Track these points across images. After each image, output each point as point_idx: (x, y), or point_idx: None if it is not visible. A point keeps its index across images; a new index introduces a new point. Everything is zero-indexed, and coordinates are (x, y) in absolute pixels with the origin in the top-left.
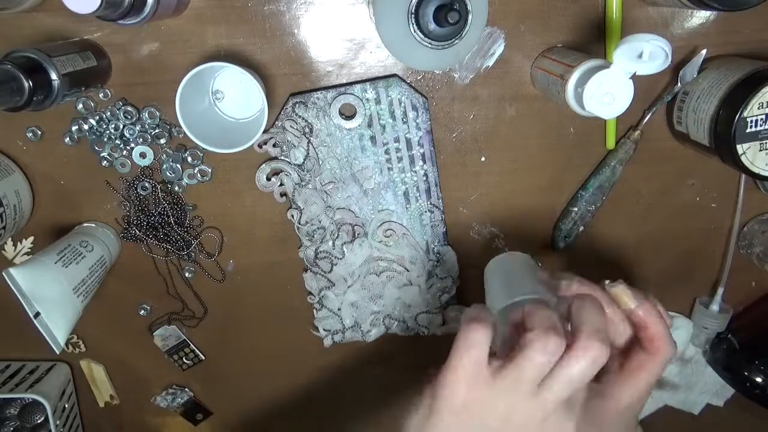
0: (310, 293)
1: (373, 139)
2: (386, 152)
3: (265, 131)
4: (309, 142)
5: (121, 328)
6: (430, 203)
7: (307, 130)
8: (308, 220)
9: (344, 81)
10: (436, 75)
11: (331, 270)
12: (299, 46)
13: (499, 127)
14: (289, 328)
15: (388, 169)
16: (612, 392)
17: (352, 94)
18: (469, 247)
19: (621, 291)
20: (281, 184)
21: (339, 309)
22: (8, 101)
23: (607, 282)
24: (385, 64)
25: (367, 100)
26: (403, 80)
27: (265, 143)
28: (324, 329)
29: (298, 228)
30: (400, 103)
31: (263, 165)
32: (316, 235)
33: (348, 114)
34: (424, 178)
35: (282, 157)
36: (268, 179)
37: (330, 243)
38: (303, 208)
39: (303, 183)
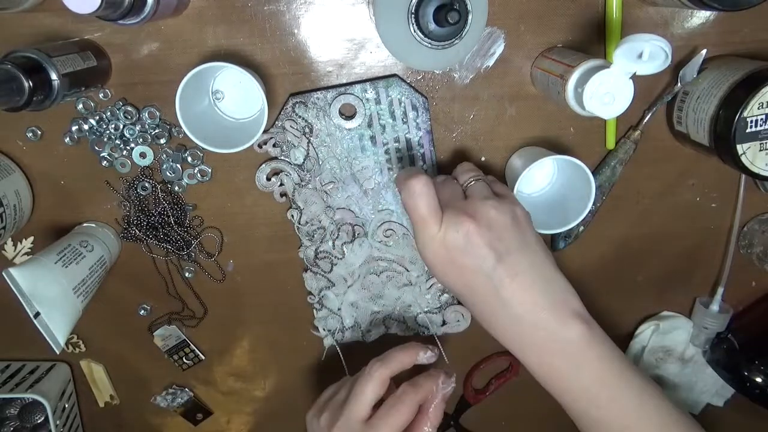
0: (310, 293)
1: (373, 139)
2: (386, 152)
3: (265, 131)
4: (309, 142)
5: (121, 328)
6: None
7: (307, 130)
8: (308, 220)
9: (344, 81)
10: (436, 75)
11: (331, 270)
12: (299, 46)
13: (499, 127)
14: (289, 327)
15: (388, 169)
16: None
17: (352, 94)
18: None
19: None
20: (281, 184)
21: (339, 309)
22: (8, 101)
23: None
24: (385, 64)
25: (367, 100)
26: (403, 80)
27: (265, 143)
28: (324, 329)
29: (298, 228)
30: (400, 103)
31: (263, 165)
32: (316, 235)
33: (348, 114)
34: None
35: (282, 157)
36: (268, 179)
37: (330, 243)
38: (303, 208)
39: (303, 183)
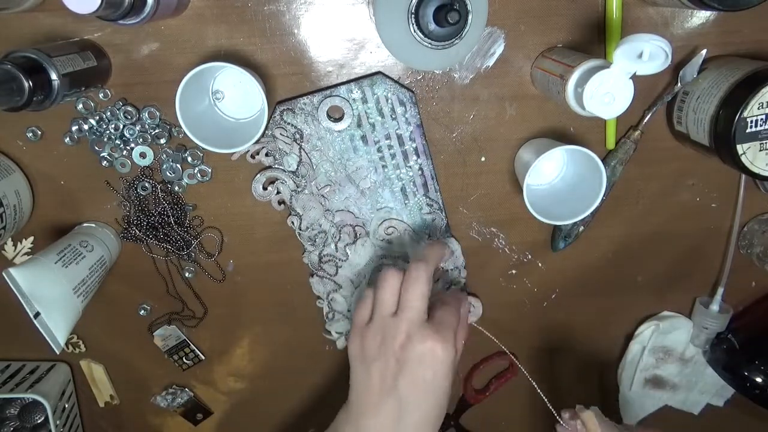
0: (318, 297)
1: (364, 138)
2: (378, 150)
3: (255, 142)
4: (300, 147)
5: (121, 328)
6: (428, 197)
7: (297, 136)
8: (308, 225)
9: (343, 81)
10: (436, 75)
11: (337, 273)
12: (299, 46)
13: (499, 127)
14: (290, 327)
15: (383, 166)
16: None
17: (338, 95)
18: (470, 247)
19: (588, 417)
20: (278, 192)
21: (349, 311)
22: (8, 101)
23: (579, 406)
24: (386, 64)
25: (354, 100)
26: (387, 76)
27: (257, 153)
28: (336, 332)
29: (299, 234)
30: (387, 100)
31: (258, 175)
32: (318, 240)
33: (336, 116)
34: (420, 172)
35: (276, 166)
36: (264, 188)
37: (333, 246)
38: (302, 214)
39: (299, 189)
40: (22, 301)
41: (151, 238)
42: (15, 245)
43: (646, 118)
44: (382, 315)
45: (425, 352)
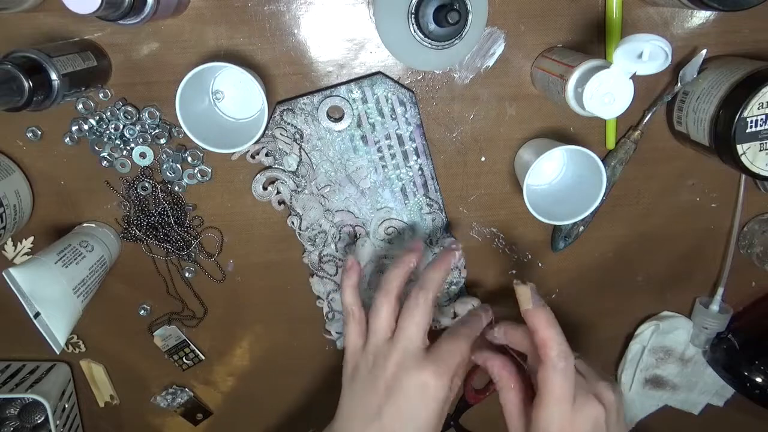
0: (318, 297)
1: (364, 138)
2: (378, 150)
3: (255, 142)
4: (300, 147)
5: (121, 328)
6: (428, 197)
7: (297, 136)
8: (308, 225)
9: (343, 81)
10: (436, 75)
11: (337, 273)
12: (299, 46)
13: (499, 127)
14: (290, 327)
15: (383, 166)
16: (535, 417)
17: (338, 95)
18: (470, 247)
19: (523, 291)
20: (278, 192)
21: None
22: (8, 101)
23: (516, 281)
24: (386, 64)
25: (354, 100)
26: (387, 77)
27: (257, 153)
28: (336, 332)
29: (299, 234)
30: (387, 100)
31: (258, 175)
32: (318, 240)
33: (336, 116)
34: (420, 172)
35: (276, 166)
36: (264, 188)
37: (333, 246)
38: (302, 214)
39: (299, 189)
40: (22, 301)
41: (151, 238)
42: (15, 245)
43: (646, 118)
44: (376, 341)
45: (416, 385)
